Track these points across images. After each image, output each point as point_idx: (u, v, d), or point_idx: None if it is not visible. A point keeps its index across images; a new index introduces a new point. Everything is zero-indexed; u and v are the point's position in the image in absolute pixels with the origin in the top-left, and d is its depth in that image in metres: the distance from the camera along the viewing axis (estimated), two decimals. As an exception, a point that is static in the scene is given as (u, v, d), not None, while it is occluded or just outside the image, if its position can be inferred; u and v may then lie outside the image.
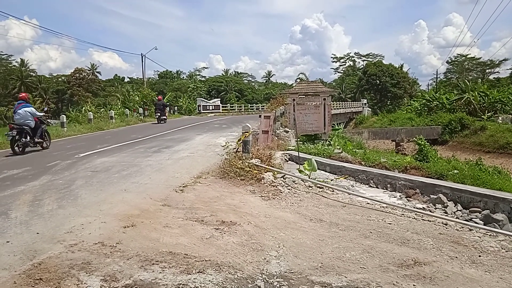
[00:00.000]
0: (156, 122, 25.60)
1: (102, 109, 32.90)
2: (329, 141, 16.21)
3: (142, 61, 42.23)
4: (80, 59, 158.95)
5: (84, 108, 32.52)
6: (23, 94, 13.17)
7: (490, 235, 5.02)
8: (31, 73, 72.54)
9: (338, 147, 12.89)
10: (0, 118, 48.52)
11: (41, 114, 13.03)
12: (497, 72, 75.45)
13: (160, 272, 3.64)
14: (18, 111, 12.25)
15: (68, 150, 12.31)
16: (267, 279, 3.57)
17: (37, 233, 4.67)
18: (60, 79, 79.64)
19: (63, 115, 20.98)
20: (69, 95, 71.56)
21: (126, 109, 30.40)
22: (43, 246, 4.25)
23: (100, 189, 6.96)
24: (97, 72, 79.10)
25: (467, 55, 74.71)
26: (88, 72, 75.63)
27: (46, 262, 3.84)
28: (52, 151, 12.26)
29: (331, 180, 8.60)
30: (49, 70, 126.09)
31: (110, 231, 4.73)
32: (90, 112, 25.40)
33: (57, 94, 74.20)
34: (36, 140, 12.39)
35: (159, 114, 25.31)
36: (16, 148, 11.83)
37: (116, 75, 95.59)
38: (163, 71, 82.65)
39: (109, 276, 3.54)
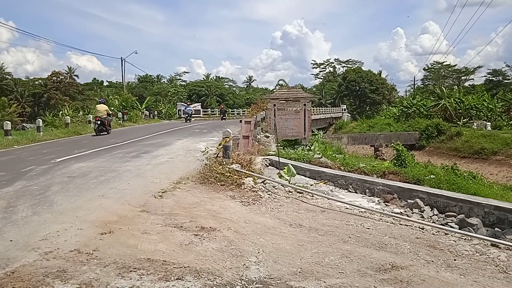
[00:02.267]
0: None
1: (80, 113, 32.32)
2: (309, 146, 16.29)
3: (122, 65, 41.89)
4: (58, 62, 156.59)
5: (61, 112, 31.89)
6: (189, 102, 46.83)
7: (465, 239, 5.14)
8: (7, 76, 70.68)
9: (318, 152, 12.97)
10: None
11: (194, 109, 40.24)
12: (472, 79, 77.72)
13: (138, 280, 3.59)
14: (187, 108, 36.10)
15: (44, 155, 12.04)
16: (246, 285, 3.56)
17: (11, 241, 4.54)
18: (37, 82, 77.50)
19: (39, 119, 20.49)
20: (46, 99, 69.85)
21: (105, 113, 29.92)
22: (16, 254, 4.14)
23: (76, 195, 6.82)
24: (74, 75, 77.69)
25: (443, 62, 76.57)
26: (65, 75, 74.14)
27: (19, 270, 3.74)
28: (27, 156, 11.97)
29: (311, 185, 8.65)
30: (26, 73, 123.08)
31: (86, 238, 4.64)
32: (68, 116, 24.87)
33: (33, 98, 72.36)
34: (191, 119, 34.17)
35: None
36: (185, 120, 33.41)
37: (95, 78, 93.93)
38: (144, 75, 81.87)
39: (85, 284, 3.47)
